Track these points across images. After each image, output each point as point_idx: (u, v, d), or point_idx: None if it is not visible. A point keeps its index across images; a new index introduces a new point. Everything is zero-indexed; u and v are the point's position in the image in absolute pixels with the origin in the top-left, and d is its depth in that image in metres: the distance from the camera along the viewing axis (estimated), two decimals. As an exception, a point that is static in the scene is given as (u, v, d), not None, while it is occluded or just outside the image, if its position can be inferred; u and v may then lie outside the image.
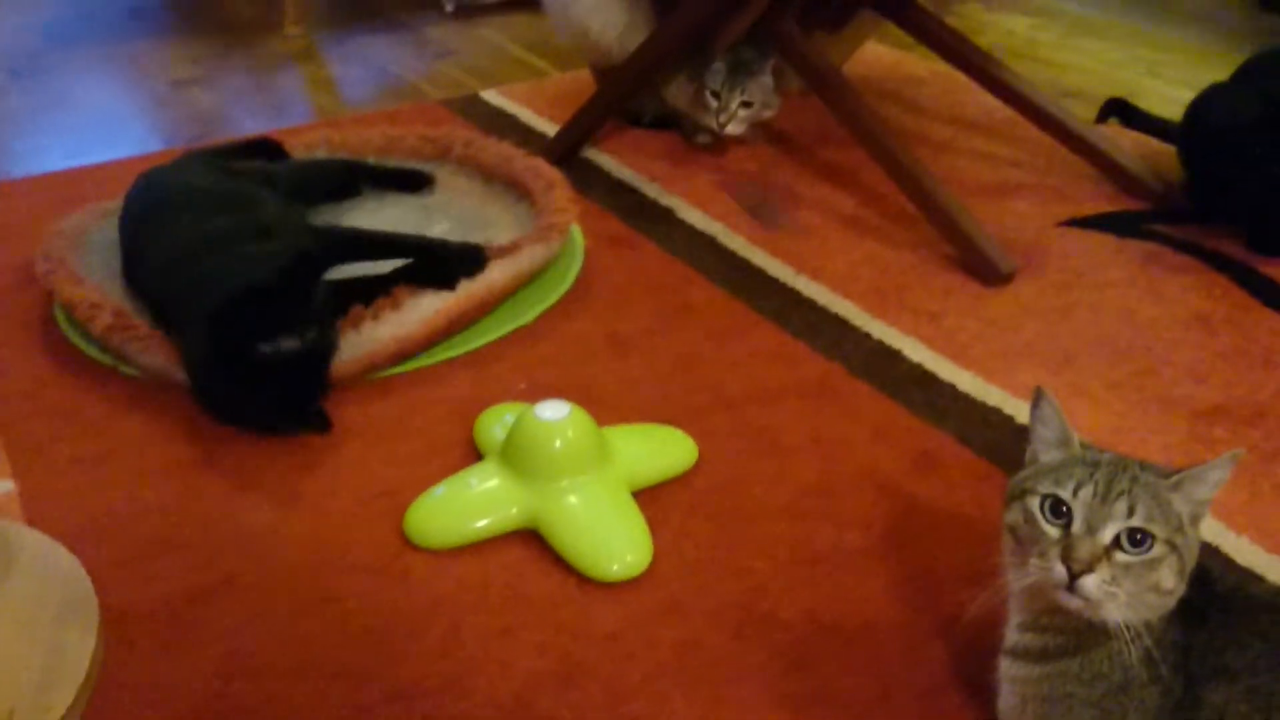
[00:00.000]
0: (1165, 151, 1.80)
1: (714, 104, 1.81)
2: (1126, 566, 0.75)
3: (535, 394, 1.21)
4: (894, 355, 1.37)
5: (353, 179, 1.70)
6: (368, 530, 1.10)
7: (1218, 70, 1.74)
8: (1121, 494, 0.76)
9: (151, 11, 2.83)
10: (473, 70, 2.38)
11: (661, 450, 1.20)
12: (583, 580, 1.04)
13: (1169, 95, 2.10)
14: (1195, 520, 0.78)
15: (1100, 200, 1.73)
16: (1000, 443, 1.22)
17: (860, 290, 1.51)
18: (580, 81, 2.14)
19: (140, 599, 1.02)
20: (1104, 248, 1.61)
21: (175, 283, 1.31)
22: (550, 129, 1.98)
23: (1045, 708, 0.81)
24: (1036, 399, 0.84)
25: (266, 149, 1.74)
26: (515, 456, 1.13)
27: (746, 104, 1.82)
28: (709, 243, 1.63)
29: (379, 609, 1.01)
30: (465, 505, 1.12)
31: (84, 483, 1.17)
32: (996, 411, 1.27)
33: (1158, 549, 0.75)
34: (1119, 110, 1.98)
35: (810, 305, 1.48)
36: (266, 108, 2.21)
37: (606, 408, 1.24)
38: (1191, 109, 1.69)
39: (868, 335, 1.41)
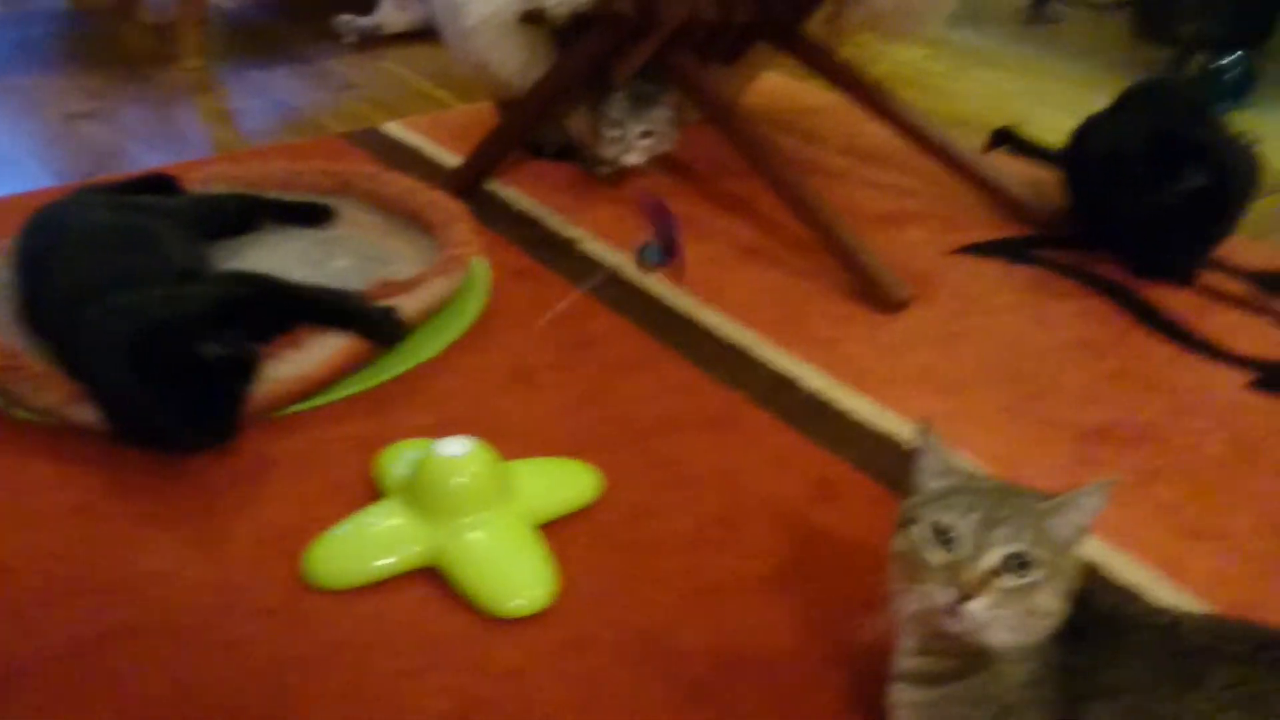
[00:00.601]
0: (1051, 179, 1.87)
1: (614, 133, 1.83)
2: (1009, 591, 0.77)
3: (440, 429, 1.21)
4: (793, 384, 1.40)
5: (251, 214, 1.68)
6: (268, 572, 1.09)
7: (1101, 99, 1.81)
8: (1004, 520, 0.79)
9: (43, 44, 2.77)
10: (374, 103, 2.37)
11: (566, 483, 1.20)
12: (486, 617, 1.04)
13: (1055, 124, 2.17)
14: (1074, 543, 0.81)
15: (990, 227, 1.79)
16: (897, 468, 1.25)
17: (761, 320, 1.53)
18: (483, 113, 2.14)
19: (33, 650, 1.00)
20: (994, 274, 1.66)
21: (83, 321, 1.28)
22: (453, 161, 1.98)
23: None
24: (921, 430, 0.86)
25: (160, 184, 1.71)
26: (417, 494, 1.12)
27: (647, 134, 1.84)
28: (612, 274, 1.65)
29: (279, 653, 1.00)
30: (367, 544, 1.11)
31: (-29, 532, 1.14)
32: (892, 438, 1.30)
33: (1039, 573, 0.78)
34: (1007, 139, 2.04)
35: (713, 336, 1.50)
36: (163, 141, 2.17)
37: (511, 441, 1.24)
38: (1075, 137, 1.76)
39: (768, 364, 1.44)
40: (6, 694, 0.96)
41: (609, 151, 1.84)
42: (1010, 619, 0.78)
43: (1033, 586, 0.78)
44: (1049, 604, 0.79)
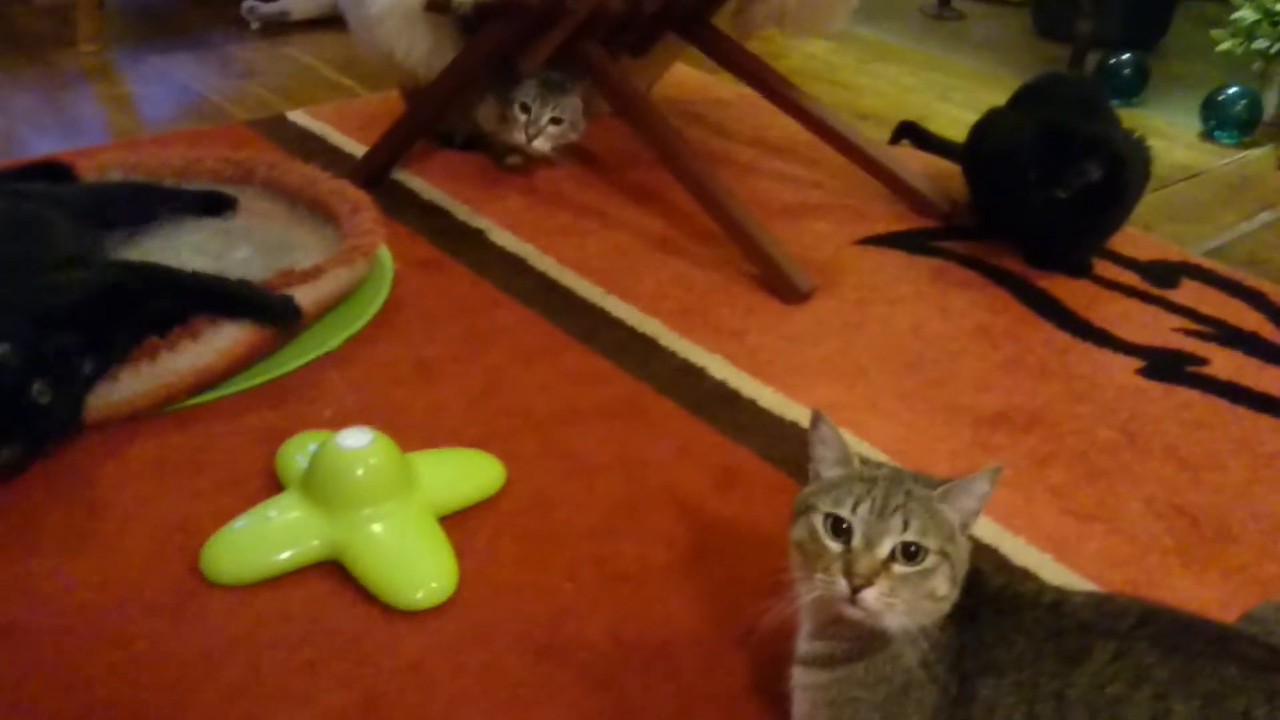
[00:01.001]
0: (953, 171, 1.91)
1: (523, 117, 1.82)
2: (903, 578, 0.79)
3: (341, 421, 1.20)
4: (699, 373, 1.41)
5: (149, 202, 1.64)
6: (161, 568, 1.07)
7: (1002, 95, 1.85)
8: (897, 509, 0.80)
9: (-71, 25, 2.67)
10: (279, 90, 2.33)
11: (468, 474, 1.20)
12: (387, 610, 1.03)
13: (957, 118, 2.22)
14: (965, 528, 0.83)
15: (893, 219, 1.82)
16: (799, 457, 1.25)
17: (668, 309, 1.54)
18: (390, 102, 2.12)
19: (-90, 653, 0.97)
20: (896, 264, 1.69)
21: None
22: (359, 150, 1.96)
23: (833, 712, 0.85)
24: (815, 420, 0.87)
25: (54, 171, 1.66)
26: (317, 486, 1.11)
27: (556, 120, 1.84)
28: (519, 264, 1.64)
29: (172, 651, 0.98)
30: (265, 538, 1.09)
31: None
32: (795, 426, 1.31)
33: (931, 559, 0.79)
34: (910, 133, 2.08)
35: (619, 325, 1.50)
36: (58, 127, 2.11)
37: (413, 433, 1.23)
38: (973, 132, 1.79)
39: (674, 354, 1.45)
40: (-117, 697, 0.92)
41: (517, 136, 1.83)
42: (905, 604, 0.79)
43: (926, 572, 0.79)
44: (941, 588, 0.80)
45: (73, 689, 0.94)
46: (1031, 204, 1.57)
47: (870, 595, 0.79)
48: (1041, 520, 1.19)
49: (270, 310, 1.34)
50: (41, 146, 1.99)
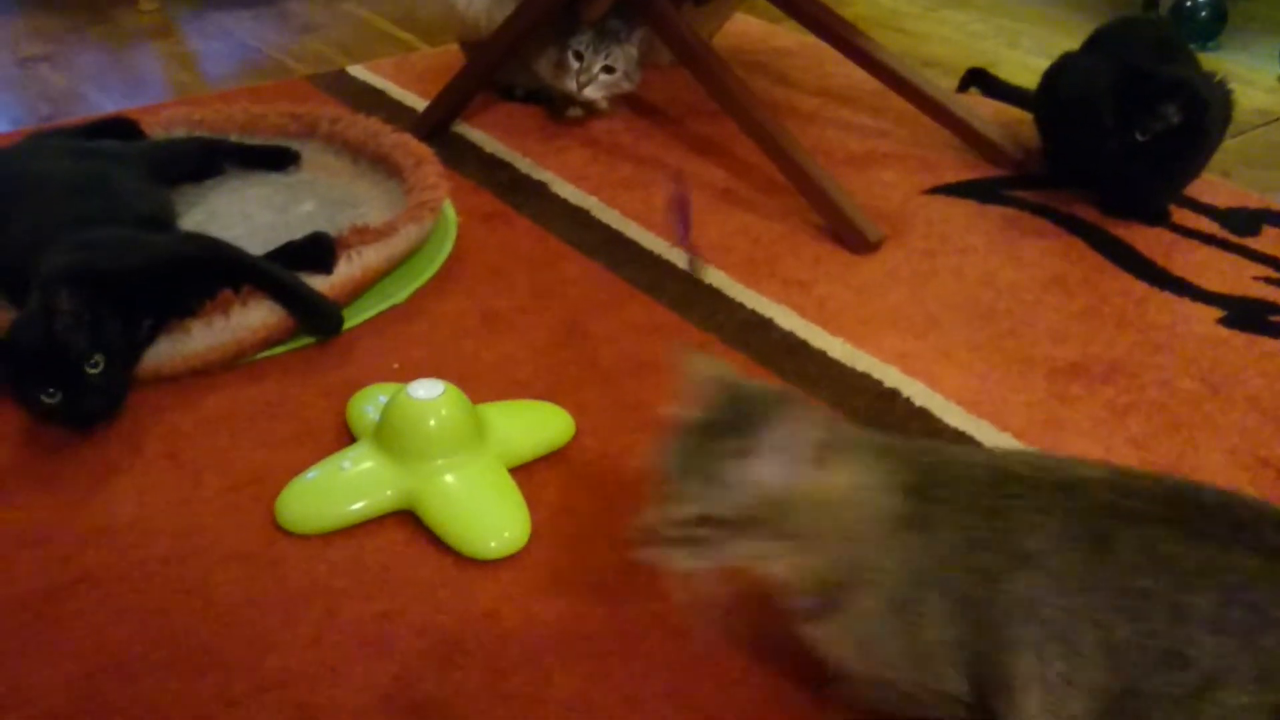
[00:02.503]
0: (1023, 119, 1.86)
1: (575, 65, 1.80)
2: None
3: (409, 374, 1.20)
4: (766, 324, 1.39)
5: (214, 158, 1.66)
6: (237, 518, 1.08)
7: (1073, 39, 1.80)
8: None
9: (-6, -15, 2.70)
10: (338, 45, 2.33)
11: (538, 426, 1.20)
12: (461, 559, 1.04)
13: (1027, 64, 2.16)
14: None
15: (962, 168, 1.78)
16: (869, 407, 1.25)
17: (733, 261, 1.52)
18: (449, 55, 2.11)
19: (1, 597, 0.99)
20: (966, 214, 1.65)
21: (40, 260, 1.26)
22: (419, 104, 1.95)
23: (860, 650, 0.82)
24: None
25: (122, 128, 1.67)
26: (389, 437, 1.11)
27: (609, 69, 1.82)
28: (583, 217, 1.63)
29: (250, 598, 0.99)
30: (339, 489, 1.10)
31: (-67, 481, 1.12)
32: (865, 377, 1.30)
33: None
34: (979, 79, 2.03)
35: (684, 276, 1.49)
36: (122, 86, 2.13)
37: (482, 385, 1.23)
38: (1045, 78, 1.75)
39: (740, 305, 1.43)
40: (-26, 642, 0.94)
41: (569, 84, 1.82)
42: None
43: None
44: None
45: (156, 636, 0.96)
46: (1109, 149, 1.53)
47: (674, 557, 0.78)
48: (1121, 472, 1.16)
49: (320, 319, 1.33)
50: (106, 105, 2.01)
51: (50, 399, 1.14)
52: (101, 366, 1.15)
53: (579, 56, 1.80)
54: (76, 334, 1.14)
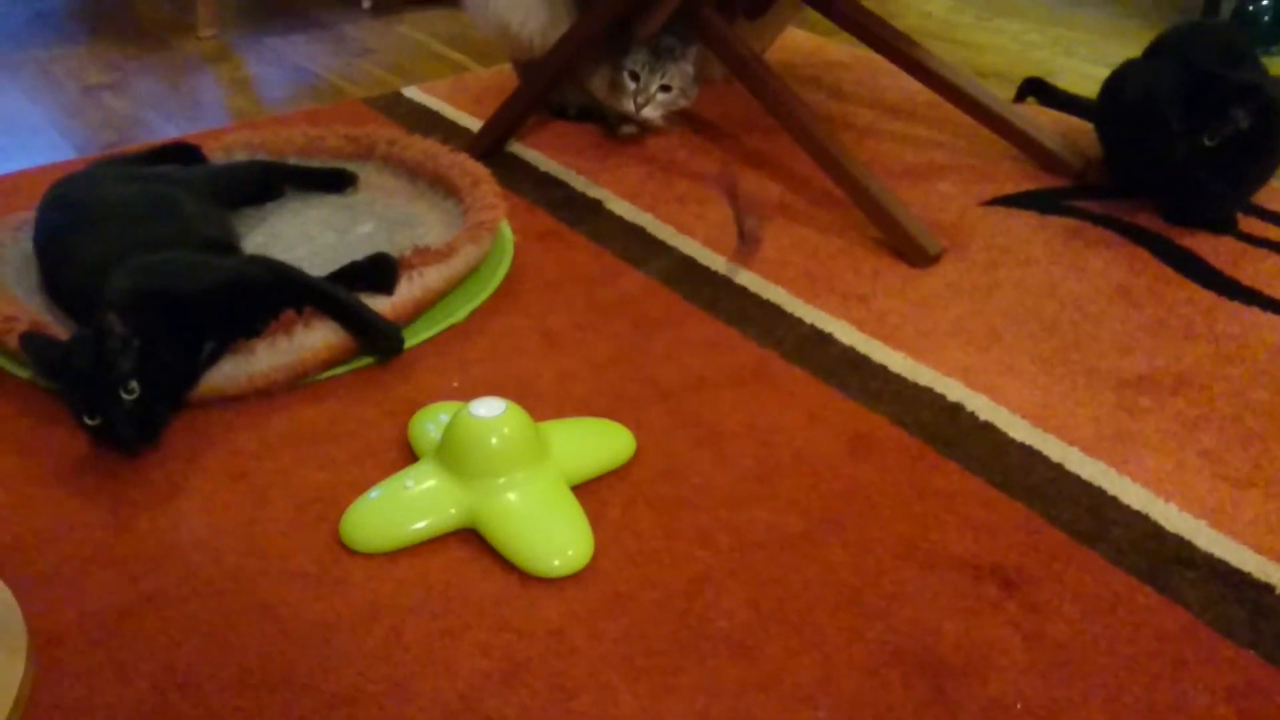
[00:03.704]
0: (1083, 128, 1.84)
1: (632, 85, 1.81)
2: None
3: (469, 392, 1.21)
4: (826, 339, 1.38)
5: (274, 180, 1.68)
6: (303, 537, 1.09)
7: (1130, 47, 1.78)
8: None
9: (59, 16, 2.76)
10: (393, 67, 2.35)
11: (599, 443, 1.19)
12: (525, 577, 1.04)
13: (1084, 73, 2.14)
14: None
15: (1022, 178, 1.76)
16: (932, 421, 1.23)
17: (791, 276, 1.52)
18: (502, 76, 2.12)
19: (70, 618, 1.00)
20: (1027, 225, 1.63)
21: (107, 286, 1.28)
22: (474, 124, 1.96)
23: None
24: None
25: (184, 153, 1.70)
26: (451, 456, 1.12)
27: (665, 88, 1.82)
28: (639, 233, 1.63)
29: (317, 616, 1.00)
30: (402, 507, 1.10)
31: (7, 501, 1.14)
32: (928, 391, 1.28)
33: None
34: (1036, 89, 2.01)
35: (742, 293, 1.48)
36: (182, 111, 2.16)
37: (542, 403, 1.23)
38: (1107, 85, 1.73)
39: (800, 320, 1.42)
40: (50, 658, 0.96)
41: (626, 105, 1.82)
42: None
43: None
44: None
45: (224, 654, 0.96)
46: (1175, 156, 1.50)
47: None
48: (1193, 486, 1.14)
49: (381, 340, 1.33)
50: (167, 130, 2.04)
51: (92, 421, 1.15)
52: (137, 394, 1.15)
53: (635, 77, 1.80)
54: (121, 358, 1.15)
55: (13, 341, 1.26)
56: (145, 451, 1.19)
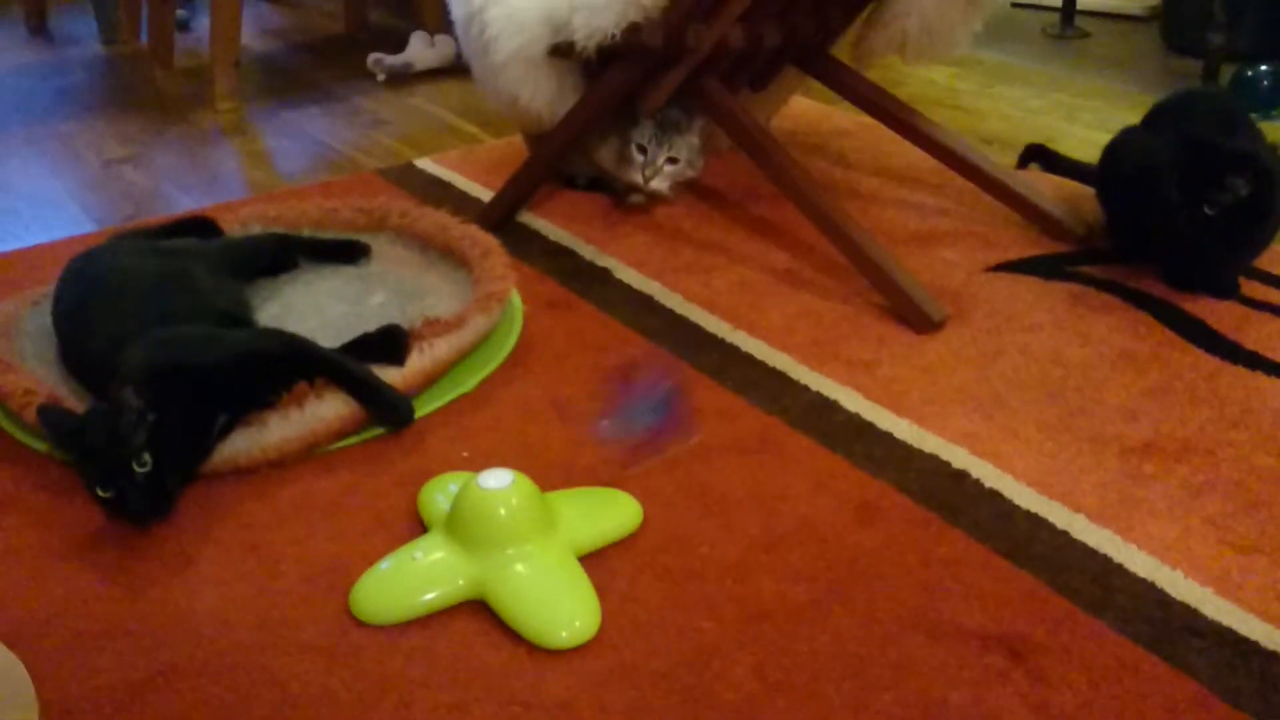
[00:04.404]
0: (1085, 194, 1.86)
1: (640, 159, 1.84)
2: None
3: (478, 462, 1.22)
4: (832, 406, 1.40)
5: (288, 253, 1.70)
6: (314, 609, 1.10)
7: (1132, 113, 1.80)
8: None
9: (80, 92, 2.82)
10: (406, 139, 2.40)
11: (606, 513, 1.20)
12: (532, 649, 1.04)
13: (1086, 139, 2.17)
14: None
15: (1025, 244, 1.78)
16: (938, 489, 1.24)
17: (796, 343, 1.53)
18: (513, 147, 2.16)
19: (82, 692, 1.01)
20: (1030, 291, 1.65)
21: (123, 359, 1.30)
22: (485, 194, 2.00)
23: None
24: None
25: (201, 226, 1.73)
26: (460, 527, 1.13)
27: (673, 160, 1.86)
28: (646, 301, 1.65)
29: (327, 690, 1.00)
30: (412, 579, 1.11)
31: (22, 574, 1.15)
32: (933, 458, 1.29)
33: None
34: (1039, 155, 2.04)
35: (748, 360, 1.50)
36: (200, 184, 2.21)
37: (550, 472, 1.25)
38: (1108, 152, 1.75)
39: (806, 388, 1.43)
40: (60, 735, 0.96)
41: (635, 177, 1.86)
42: None
43: None
44: None
45: (234, 728, 0.97)
46: (1175, 224, 1.52)
47: None
48: (1199, 553, 1.14)
49: (390, 411, 1.35)
50: (186, 202, 2.08)
51: (105, 493, 1.17)
52: (149, 467, 1.17)
53: (642, 150, 1.84)
54: (135, 432, 1.17)
55: (30, 415, 1.28)
56: (157, 523, 1.20)
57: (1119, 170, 1.70)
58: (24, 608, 1.11)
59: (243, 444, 1.28)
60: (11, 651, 1.02)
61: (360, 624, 1.08)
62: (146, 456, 1.17)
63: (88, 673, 1.03)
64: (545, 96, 1.81)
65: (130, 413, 1.17)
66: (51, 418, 1.21)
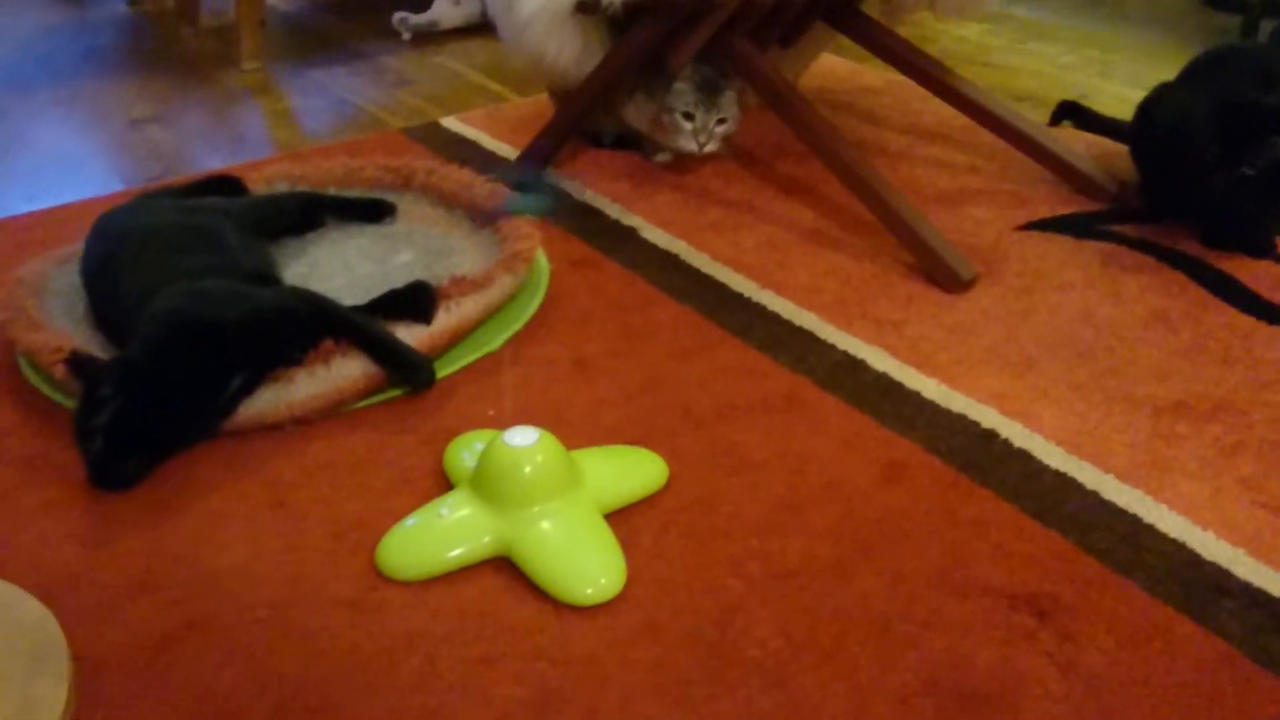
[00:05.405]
0: (1118, 152, 1.84)
1: (688, 126, 1.81)
2: None
3: (503, 420, 1.22)
4: (859, 366, 1.39)
5: (314, 211, 1.70)
6: (340, 565, 1.10)
7: (1167, 69, 1.77)
8: None
9: (106, 52, 2.82)
10: (431, 98, 2.39)
11: (632, 471, 1.20)
12: (558, 605, 1.04)
13: (1120, 96, 2.13)
14: None
15: (1056, 203, 1.76)
16: (966, 449, 1.23)
17: (824, 302, 1.52)
18: (539, 105, 2.15)
19: (112, 646, 1.02)
20: (1062, 250, 1.63)
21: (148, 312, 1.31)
22: (511, 154, 1.99)
23: None
24: None
25: (227, 185, 1.73)
26: (486, 484, 1.13)
27: (721, 120, 1.83)
28: (672, 261, 1.64)
29: (354, 644, 1.01)
30: (437, 536, 1.12)
31: (52, 530, 1.17)
32: (962, 418, 1.28)
33: None
34: (1071, 113, 2.01)
35: (775, 319, 1.49)
36: (226, 143, 2.21)
37: (575, 431, 1.24)
38: (1142, 109, 1.72)
39: (833, 347, 1.42)
40: (92, 686, 0.97)
41: (688, 146, 1.83)
42: None
43: None
44: None
45: (263, 682, 0.98)
46: (1212, 183, 1.49)
47: None
48: (1231, 514, 1.13)
49: (411, 374, 1.35)
50: (212, 162, 2.08)
51: (88, 444, 1.20)
52: (99, 446, 1.20)
53: (689, 117, 1.81)
54: (92, 414, 1.20)
55: (60, 372, 1.29)
56: (117, 492, 1.22)
57: (1153, 128, 1.67)
58: (58, 563, 1.12)
59: (269, 401, 1.28)
60: (45, 606, 1.03)
61: (386, 580, 1.08)
62: (98, 438, 1.20)
63: (118, 627, 1.04)
64: (571, 53, 1.80)
65: (98, 395, 1.20)
66: (80, 366, 1.24)
